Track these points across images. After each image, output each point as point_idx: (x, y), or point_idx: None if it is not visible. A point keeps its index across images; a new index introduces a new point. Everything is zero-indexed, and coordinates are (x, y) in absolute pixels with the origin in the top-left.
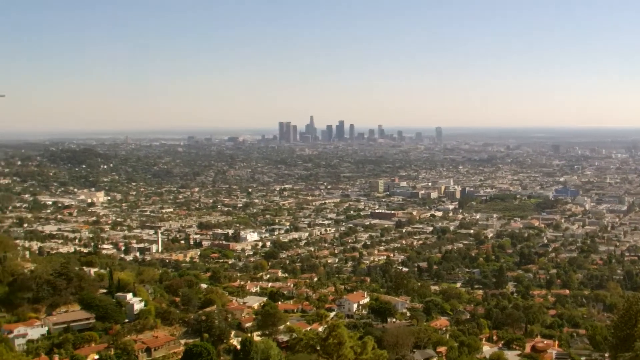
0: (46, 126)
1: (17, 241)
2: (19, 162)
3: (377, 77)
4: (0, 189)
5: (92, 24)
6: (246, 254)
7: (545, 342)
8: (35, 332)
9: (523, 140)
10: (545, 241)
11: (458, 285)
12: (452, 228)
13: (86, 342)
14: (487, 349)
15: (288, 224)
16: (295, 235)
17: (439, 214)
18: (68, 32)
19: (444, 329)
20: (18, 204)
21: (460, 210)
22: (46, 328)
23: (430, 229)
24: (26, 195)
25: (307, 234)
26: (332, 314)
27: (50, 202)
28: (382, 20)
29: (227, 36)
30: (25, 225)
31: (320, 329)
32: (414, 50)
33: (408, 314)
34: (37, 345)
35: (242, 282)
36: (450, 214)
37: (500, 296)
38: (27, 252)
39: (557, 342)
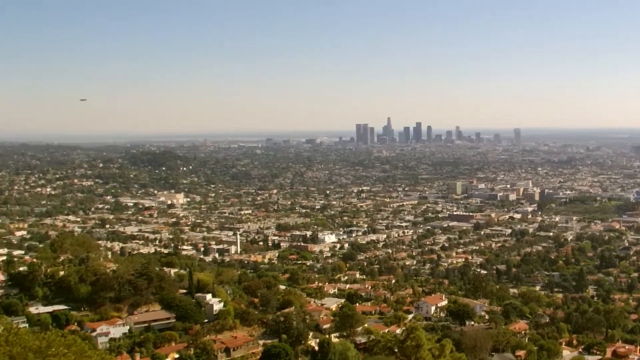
0: (127, 129)
1: (100, 242)
2: (101, 165)
3: (455, 78)
4: (83, 190)
5: (171, 27)
6: (324, 256)
7: (626, 347)
8: (117, 330)
9: (603, 141)
10: (627, 244)
11: (537, 288)
12: (531, 230)
13: (166, 341)
14: (567, 354)
15: (366, 225)
16: (373, 237)
17: (518, 216)
18: (148, 37)
19: (523, 332)
20: (100, 206)
21: (539, 213)
22: (128, 327)
23: (509, 231)
24: (108, 197)
25: (384, 235)
26: (410, 317)
27: (131, 204)
28: (461, 22)
29: (306, 38)
30: (108, 226)
31: (398, 331)
32: (492, 52)
33: (486, 317)
34: (119, 343)
35: (320, 284)
36: (529, 216)
37: (580, 300)
38: (109, 253)
39: (639, 348)
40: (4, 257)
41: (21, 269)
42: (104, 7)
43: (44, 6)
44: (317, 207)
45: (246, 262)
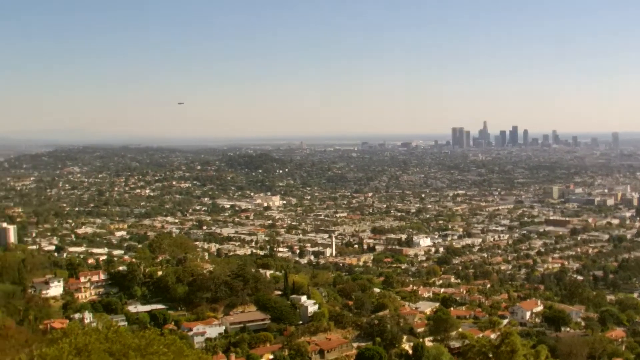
0: (225, 133)
1: (197, 243)
2: (199, 167)
3: (552, 81)
4: (182, 192)
5: (265, 29)
6: (419, 259)
7: None
8: (213, 330)
9: None
10: None
11: (635, 295)
12: (629, 236)
13: (261, 342)
14: None
15: (461, 229)
16: (468, 241)
17: (616, 221)
18: (245, 40)
19: (620, 340)
20: (198, 207)
21: (638, 218)
22: (223, 327)
23: (607, 236)
24: (205, 199)
25: (480, 240)
26: (504, 322)
27: (228, 206)
28: (554, 23)
29: (401, 39)
30: (205, 227)
31: (493, 336)
32: (588, 54)
33: (582, 323)
34: (215, 343)
35: (414, 287)
36: (628, 222)
37: None
38: (206, 254)
39: None
40: (105, 257)
41: (121, 268)
42: (204, 10)
43: (146, 9)
44: (412, 210)
45: (341, 264)
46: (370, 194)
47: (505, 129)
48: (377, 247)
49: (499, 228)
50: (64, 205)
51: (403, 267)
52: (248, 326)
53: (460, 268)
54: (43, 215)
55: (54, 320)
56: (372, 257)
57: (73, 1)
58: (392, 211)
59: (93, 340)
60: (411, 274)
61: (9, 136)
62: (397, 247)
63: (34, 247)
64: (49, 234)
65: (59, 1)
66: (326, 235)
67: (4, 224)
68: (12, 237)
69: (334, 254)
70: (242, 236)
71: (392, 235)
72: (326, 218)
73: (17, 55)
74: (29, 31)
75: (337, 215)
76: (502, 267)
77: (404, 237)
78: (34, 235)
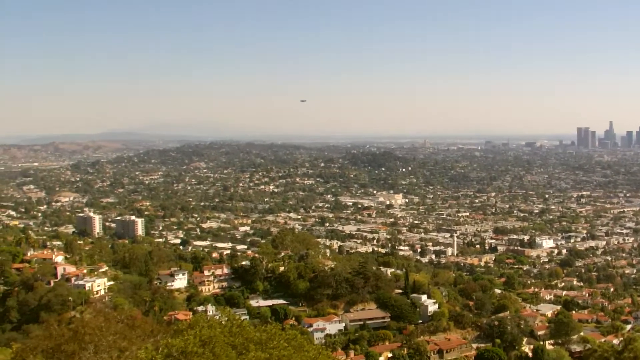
0: (348, 130)
1: (319, 239)
2: (322, 164)
3: None
4: (305, 189)
5: (389, 23)
6: (541, 261)
7: None
8: (333, 327)
9: None
10: None
11: None
12: None
13: (380, 340)
14: None
15: (585, 231)
16: (592, 243)
17: None
18: (361, 34)
19: None
20: (321, 204)
21: None
22: (343, 324)
23: None
24: (328, 196)
25: (604, 242)
26: (628, 327)
27: (350, 203)
28: None
29: (521, 39)
30: (327, 224)
31: (616, 341)
32: None
33: None
34: (334, 339)
35: (536, 289)
36: None
37: None
38: (327, 251)
39: None
40: (228, 251)
41: (244, 263)
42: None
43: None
44: (535, 211)
45: (462, 264)
46: (493, 194)
47: (632, 129)
48: (499, 247)
49: (624, 231)
50: (190, 199)
51: (525, 268)
52: (368, 324)
53: (583, 271)
54: (170, 209)
55: (178, 312)
56: (493, 258)
57: None
58: (514, 211)
59: (217, 333)
60: (533, 276)
61: (140, 131)
62: (519, 248)
63: (161, 240)
64: (175, 227)
65: None
66: (448, 235)
67: (133, 217)
68: (140, 230)
69: (455, 254)
70: (364, 234)
71: (515, 236)
72: (448, 217)
73: (152, 54)
74: (160, 29)
75: (459, 214)
76: (627, 271)
77: (526, 238)
78: (160, 228)
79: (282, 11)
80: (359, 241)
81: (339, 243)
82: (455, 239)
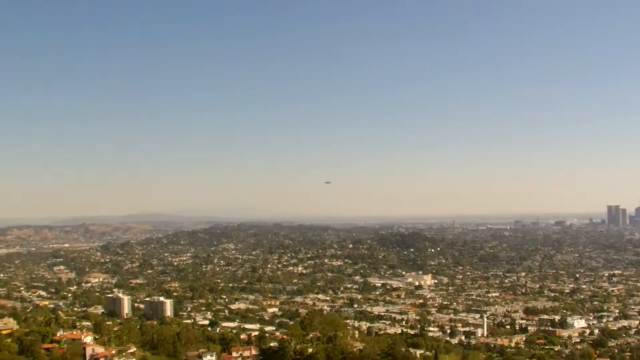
0: (377, 211)
1: (348, 321)
2: (351, 245)
3: None
4: (333, 270)
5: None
6: (573, 341)
7: None
8: None
9: None
10: None
11: None
12: None
13: None
14: None
15: (617, 311)
16: (625, 323)
17: None
18: (394, 124)
19: None
20: (349, 285)
21: None
22: None
23: None
24: (357, 277)
25: (637, 322)
26: None
27: (379, 284)
28: None
29: (551, 120)
30: (355, 305)
31: None
32: None
33: None
34: None
35: None
36: None
37: None
38: (356, 332)
39: None
40: (257, 333)
41: (272, 344)
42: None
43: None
44: (566, 290)
45: (492, 345)
46: (523, 274)
47: None
48: (529, 327)
49: None
50: (219, 280)
51: (556, 349)
52: None
53: (616, 351)
54: (198, 290)
55: None
56: (524, 338)
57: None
58: (545, 291)
59: None
60: (565, 357)
61: (168, 213)
62: (550, 328)
63: (189, 321)
64: (203, 308)
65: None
66: (477, 315)
67: (161, 298)
68: (169, 311)
69: (485, 334)
70: (393, 315)
71: (545, 316)
72: (478, 298)
73: (179, 138)
74: (187, 112)
75: (489, 294)
76: None
77: (557, 318)
78: (189, 309)
79: (305, 95)
80: (387, 322)
81: (368, 324)
82: (485, 319)
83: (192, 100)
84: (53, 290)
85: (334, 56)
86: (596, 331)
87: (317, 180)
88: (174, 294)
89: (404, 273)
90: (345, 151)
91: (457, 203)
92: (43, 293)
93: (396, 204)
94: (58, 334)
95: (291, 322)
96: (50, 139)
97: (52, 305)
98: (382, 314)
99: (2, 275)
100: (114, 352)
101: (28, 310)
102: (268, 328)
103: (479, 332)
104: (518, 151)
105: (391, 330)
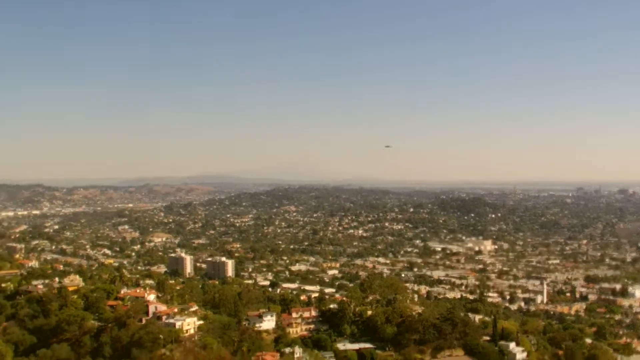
0: (437, 176)
1: (407, 284)
2: (411, 209)
3: None
4: (394, 234)
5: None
6: (634, 311)
7: None
8: None
9: None
10: None
11: None
12: None
13: None
14: None
15: None
16: None
17: None
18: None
19: None
20: (409, 249)
21: None
22: None
23: None
24: (417, 241)
25: None
26: None
27: (439, 249)
28: None
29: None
30: (415, 269)
31: None
32: None
33: None
34: None
35: (628, 340)
36: None
37: None
38: (415, 296)
39: None
40: (316, 294)
41: (332, 306)
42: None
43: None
44: (628, 259)
45: (552, 312)
46: (584, 242)
47: None
48: (589, 296)
49: None
50: (280, 242)
51: (616, 318)
52: None
53: None
54: (259, 251)
55: (265, 353)
56: (584, 307)
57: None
58: (606, 260)
59: None
60: (625, 326)
61: (231, 175)
62: (611, 297)
63: (250, 281)
64: (264, 269)
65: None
66: (537, 282)
67: (223, 259)
68: (230, 271)
69: (544, 302)
70: (452, 279)
71: (606, 285)
72: (538, 264)
73: (244, 102)
74: (253, 79)
75: (549, 262)
76: None
77: (618, 287)
78: (250, 270)
79: (369, 60)
80: (447, 287)
81: (427, 288)
82: (545, 286)
83: (259, 64)
84: (117, 249)
85: (404, 25)
86: None
87: (378, 143)
88: (236, 254)
89: (464, 238)
90: (406, 115)
91: (519, 169)
92: (108, 251)
93: (457, 169)
94: (122, 292)
95: (351, 285)
96: (116, 101)
97: (116, 264)
98: (442, 278)
99: (69, 233)
100: (176, 310)
101: (93, 268)
102: (328, 290)
103: (539, 299)
104: (582, 118)
105: (450, 295)
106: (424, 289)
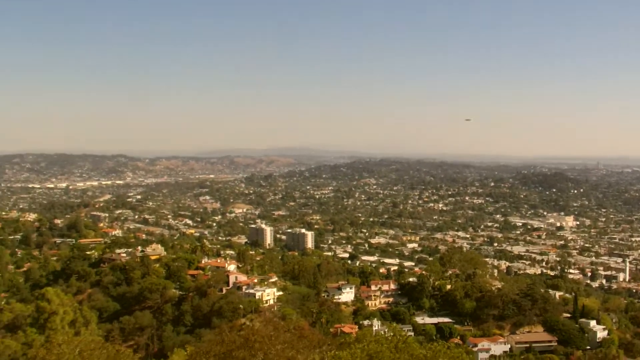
0: (518, 150)
1: (487, 259)
2: (492, 184)
3: None
4: (474, 208)
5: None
6: None
7: None
8: (498, 348)
9: None
10: None
11: None
12: None
13: None
14: None
15: None
16: None
17: None
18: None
19: None
20: (489, 224)
21: None
22: (509, 345)
23: None
24: (497, 216)
25: None
26: None
27: (519, 224)
28: None
29: None
30: (495, 244)
31: None
32: None
33: None
34: None
35: None
36: None
37: None
38: (495, 271)
39: None
40: (396, 267)
41: (411, 279)
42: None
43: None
44: None
45: (634, 291)
46: None
47: None
48: None
49: None
50: (359, 215)
51: None
52: (534, 347)
53: None
54: (339, 224)
55: (344, 325)
56: None
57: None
58: None
59: (384, 349)
60: None
61: (311, 147)
62: None
63: (329, 253)
64: (343, 241)
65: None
66: (620, 260)
67: (303, 230)
68: (310, 243)
69: (627, 279)
70: (533, 255)
71: None
72: (621, 242)
73: (324, 76)
74: (330, 56)
75: (633, 239)
76: None
77: None
78: (329, 242)
79: (454, 36)
80: (527, 262)
81: (507, 264)
82: (628, 264)
83: (341, 36)
84: (198, 219)
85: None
86: None
87: (459, 117)
88: (315, 226)
89: (545, 213)
90: (486, 88)
91: (602, 144)
92: (189, 221)
93: (539, 144)
94: (203, 261)
95: (430, 258)
96: (199, 74)
97: (197, 234)
98: (522, 253)
99: (151, 203)
100: (256, 280)
101: (175, 238)
102: (407, 263)
103: (621, 276)
104: None
105: (530, 271)
106: (503, 264)
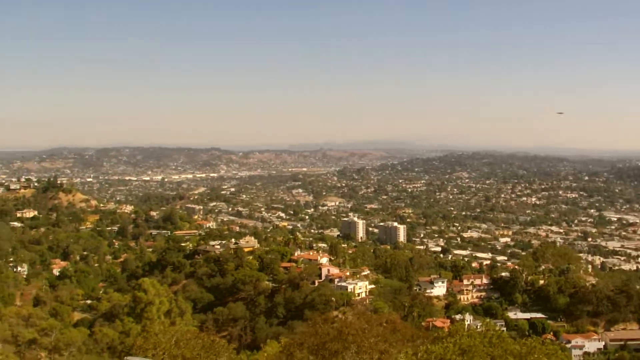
0: (613, 143)
1: (580, 254)
2: (586, 178)
3: None
4: (568, 202)
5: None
6: None
7: None
8: (592, 345)
9: None
10: None
11: None
12: None
13: None
14: None
15: None
16: None
17: None
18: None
19: None
20: (583, 218)
21: None
22: (603, 343)
23: None
24: (591, 210)
25: None
26: None
27: (614, 219)
28: None
29: None
30: (589, 239)
31: None
32: None
33: None
34: (593, 358)
35: None
36: None
37: None
38: (589, 266)
39: None
40: (488, 262)
41: (503, 274)
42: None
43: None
44: None
45: None
46: None
47: None
48: None
49: None
50: (452, 208)
51: None
52: (629, 344)
53: None
54: (431, 217)
55: (436, 319)
56: None
57: None
58: None
59: (477, 343)
60: None
61: (403, 140)
62: None
63: (421, 247)
64: (435, 235)
65: None
66: None
67: (395, 223)
68: (402, 236)
69: None
70: (628, 251)
71: None
72: None
73: (415, 66)
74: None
75: None
76: None
77: None
78: (421, 235)
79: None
80: (622, 258)
81: (602, 259)
82: None
83: (430, 27)
84: (291, 212)
85: None
86: None
87: (551, 110)
88: (407, 219)
89: None
90: (580, 81)
91: None
92: (282, 214)
93: (634, 137)
94: (296, 254)
95: (523, 253)
96: (294, 69)
97: (290, 226)
98: (617, 249)
99: (244, 196)
100: (348, 273)
101: (268, 230)
102: (499, 257)
103: None
104: None
105: (626, 267)
106: (598, 260)
